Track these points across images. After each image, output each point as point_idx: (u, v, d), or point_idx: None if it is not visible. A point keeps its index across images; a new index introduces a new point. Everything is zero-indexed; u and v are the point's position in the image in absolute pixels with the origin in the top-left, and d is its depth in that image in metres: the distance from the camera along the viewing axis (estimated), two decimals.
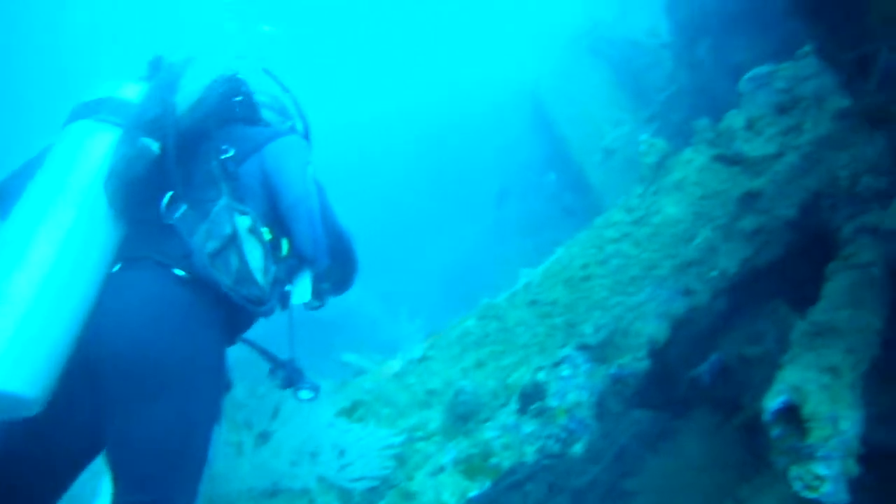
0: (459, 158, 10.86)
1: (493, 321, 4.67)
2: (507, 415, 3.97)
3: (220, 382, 2.82)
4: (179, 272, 2.63)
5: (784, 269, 4.38)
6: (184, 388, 2.54)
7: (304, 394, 3.25)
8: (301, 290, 3.05)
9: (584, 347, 3.96)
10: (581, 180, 8.06)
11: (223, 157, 2.85)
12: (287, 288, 3.01)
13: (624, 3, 8.31)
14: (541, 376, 3.97)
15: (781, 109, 4.66)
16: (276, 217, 2.95)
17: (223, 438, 4.15)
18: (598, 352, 3.97)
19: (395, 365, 5.01)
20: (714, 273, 4.09)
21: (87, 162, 2.70)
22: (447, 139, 11.18)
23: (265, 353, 3.33)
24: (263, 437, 4.11)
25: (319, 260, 3.01)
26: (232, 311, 2.79)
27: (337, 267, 3.21)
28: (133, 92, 2.91)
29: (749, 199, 4.17)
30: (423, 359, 4.68)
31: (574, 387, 3.89)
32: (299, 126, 3.47)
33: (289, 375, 3.24)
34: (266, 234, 2.82)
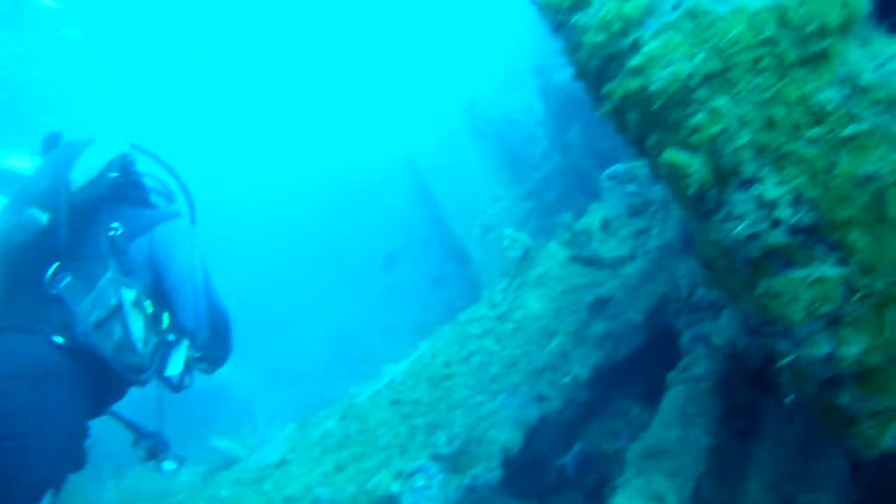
0: (346, 231, 10.88)
1: (354, 421, 4.59)
2: None
3: (66, 451, 2.72)
4: (58, 339, 2.66)
5: (635, 368, 4.55)
6: (20, 445, 2.47)
7: (168, 465, 3.30)
8: (175, 361, 3.14)
9: (438, 458, 3.94)
10: (461, 254, 8.16)
11: (112, 233, 2.96)
12: (164, 357, 3.11)
13: (502, 80, 8.60)
14: (394, 488, 3.91)
15: (634, 211, 4.89)
16: (159, 292, 3.08)
17: None
18: (452, 461, 3.96)
19: (254, 463, 4.83)
20: (566, 379, 4.19)
21: None
22: (333, 212, 11.21)
23: (131, 425, 3.34)
24: None
25: (200, 333, 3.14)
26: (105, 381, 2.83)
27: (215, 341, 3.30)
28: (24, 164, 3.01)
29: (599, 305, 4.32)
30: (281, 463, 4.53)
31: (428, 498, 3.86)
32: (184, 208, 3.61)
33: (153, 447, 3.29)
34: (149, 307, 2.96)
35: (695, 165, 1.83)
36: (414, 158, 9.38)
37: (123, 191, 3.22)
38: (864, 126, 1.74)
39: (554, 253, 5.15)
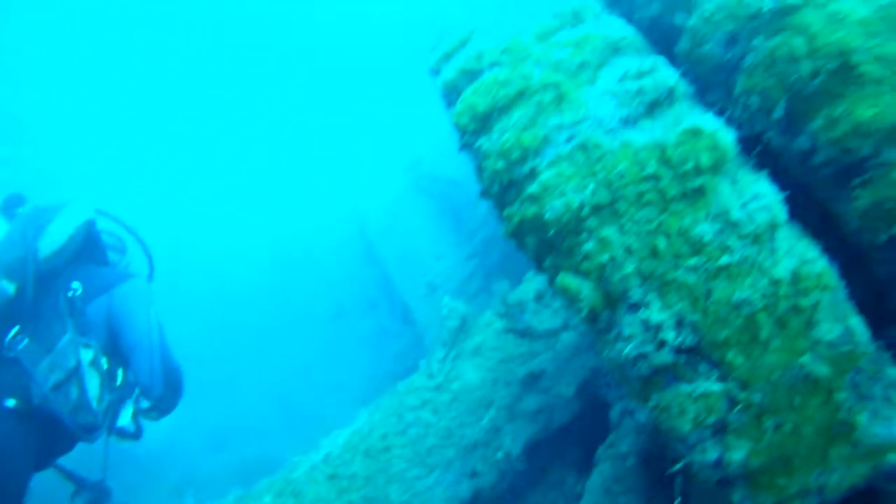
0: (292, 290, 10.90)
1: (290, 498, 4.57)
2: None
3: None
4: (9, 403, 2.74)
5: (570, 436, 4.65)
6: None
7: None
8: (126, 412, 3.27)
9: None
10: (408, 313, 8.23)
11: (71, 294, 3.06)
12: (116, 412, 3.24)
13: (446, 140, 8.79)
14: None
15: None
16: (115, 348, 3.19)
17: None
18: None
19: None
20: (499, 454, 4.26)
21: None
22: (279, 272, 11.25)
23: (71, 476, 3.40)
24: None
25: (155, 388, 3.25)
26: (56, 438, 2.94)
27: (167, 395, 3.40)
28: None
29: (531, 380, 4.43)
30: None
31: None
32: (137, 263, 3.80)
33: (95, 497, 3.36)
34: (105, 364, 3.07)
35: (585, 291, 1.97)
36: (360, 218, 9.48)
37: (84, 251, 3.36)
38: (736, 257, 1.90)
39: (490, 322, 5.26)
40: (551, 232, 2.02)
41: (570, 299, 2.01)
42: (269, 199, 13.59)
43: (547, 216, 2.01)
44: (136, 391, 3.28)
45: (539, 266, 2.17)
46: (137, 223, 3.93)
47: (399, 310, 8.63)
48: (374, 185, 9.67)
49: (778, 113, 1.98)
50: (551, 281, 2.13)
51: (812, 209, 2.19)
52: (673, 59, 2.28)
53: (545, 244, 2.06)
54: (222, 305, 10.98)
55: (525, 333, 4.85)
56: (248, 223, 12.76)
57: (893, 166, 1.89)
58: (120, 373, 3.22)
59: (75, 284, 3.11)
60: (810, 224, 2.16)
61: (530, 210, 2.05)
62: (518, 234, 2.12)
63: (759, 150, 2.02)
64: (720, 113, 2.12)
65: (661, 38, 2.35)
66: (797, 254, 1.94)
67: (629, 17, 2.42)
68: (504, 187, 2.14)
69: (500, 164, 2.11)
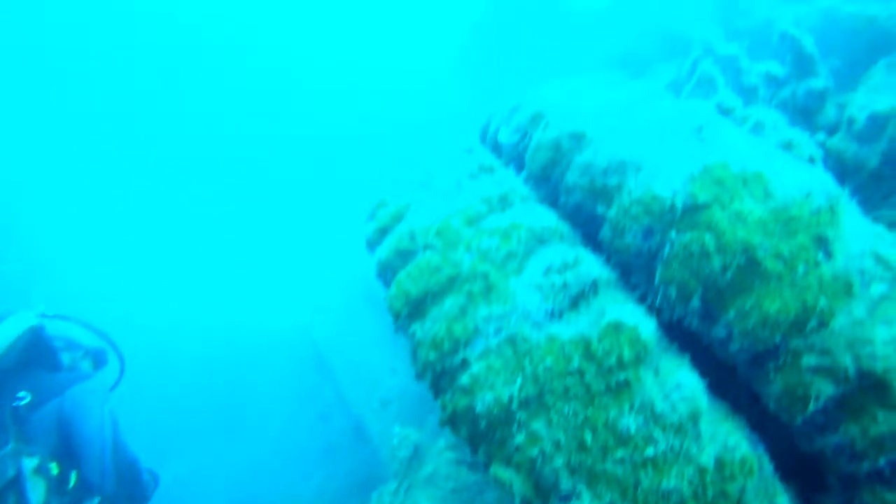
0: (239, 403, 10.68)
1: None
2: None
3: None
4: None
5: None
6: None
7: None
8: None
9: None
10: (361, 429, 8.08)
11: (16, 404, 3.03)
12: None
13: None
14: None
15: None
16: (67, 451, 3.13)
17: None
18: None
19: None
20: None
21: None
22: (226, 384, 11.06)
23: None
24: None
25: (107, 486, 3.21)
26: None
27: (124, 491, 3.35)
28: None
29: None
30: None
31: None
32: (107, 353, 3.82)
33: None
34: (54, 469, 3.01)
35: (517, 483, 2.00)
36: (310, 329, 9.40)
37: (32, 358, 3.33)
38: (661, 447, 1.96)
39: (443, 449, 5.21)
40: (483, 424, 2.06)
41: (504, 489, 2.03)
42: (218, 309, 13.45)
43: (478, 409, 2.06)
44: (97, 498, 3.24)
45: (474, 453, 2.20)
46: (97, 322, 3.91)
47: (352, 424, 8.47)
48: (323, 296, 9.65)
49: (695, 303, 2.09)
50: (486, 468, 2.16)
51: (738, 382, 2.29)
52: (597, 244, 2.40)
53: (478, 435, 2.10)
54: (167, 415, 10.66)
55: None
56: (196, 330, 12.57)
57: (800, 354, 2.01)
58: (73, 475, 3.16)
59: (22, 393, 3.09)
60: (738, 393, 2.26)
61: (462, 402, 2.09)
62: (452, 422, 2.16)
63: (682, 331, 2.13)
64: (643, 299, 2.23)
65: (587, 221, 2.49)
66: (720, 440, 2.01)
67: (554, 200, 2.56)
68: (437, 376, 2.19)
69: (432, 355, 2.17)
